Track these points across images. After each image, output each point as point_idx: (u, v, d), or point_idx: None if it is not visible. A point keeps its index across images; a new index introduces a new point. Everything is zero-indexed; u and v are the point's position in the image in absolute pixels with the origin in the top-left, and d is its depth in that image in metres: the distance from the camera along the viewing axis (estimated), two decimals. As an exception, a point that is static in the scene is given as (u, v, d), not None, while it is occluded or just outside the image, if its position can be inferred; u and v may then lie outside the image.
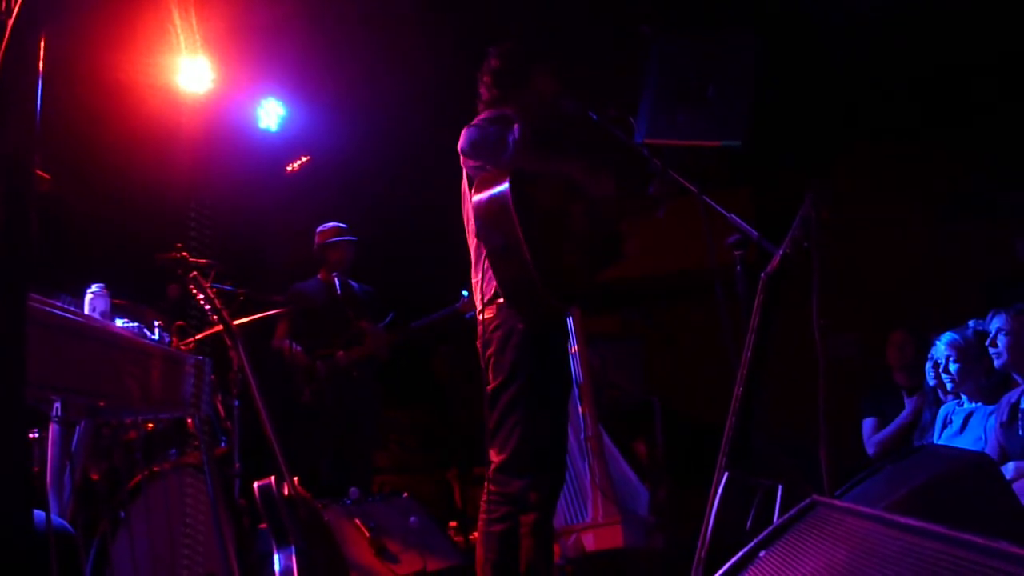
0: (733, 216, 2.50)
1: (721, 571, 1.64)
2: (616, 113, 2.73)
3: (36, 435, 2.31)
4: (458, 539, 4.49)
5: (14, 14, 1.03)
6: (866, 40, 4.73)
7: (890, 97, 5.32)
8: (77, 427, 2.16)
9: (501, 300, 2.65)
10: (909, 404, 4.30)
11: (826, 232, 2.01)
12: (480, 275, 2.74)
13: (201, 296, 3.08)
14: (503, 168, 2.57)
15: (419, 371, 5.91)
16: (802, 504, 1.61)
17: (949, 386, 3.37)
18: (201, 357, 2.09)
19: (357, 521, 3.51)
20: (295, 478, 2.95)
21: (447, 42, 4.39)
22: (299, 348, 4.40)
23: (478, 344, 2.75)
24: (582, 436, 3.99)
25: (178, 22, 3.89)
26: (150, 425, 2.99)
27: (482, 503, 2.69)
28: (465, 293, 4.37)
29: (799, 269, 2.06)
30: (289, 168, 5.51)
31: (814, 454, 1.91)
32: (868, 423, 4.46)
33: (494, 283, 2.64)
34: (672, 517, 4.05)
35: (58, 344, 1.46)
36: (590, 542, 3.82)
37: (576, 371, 4.03)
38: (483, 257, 2.70)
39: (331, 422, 4.39)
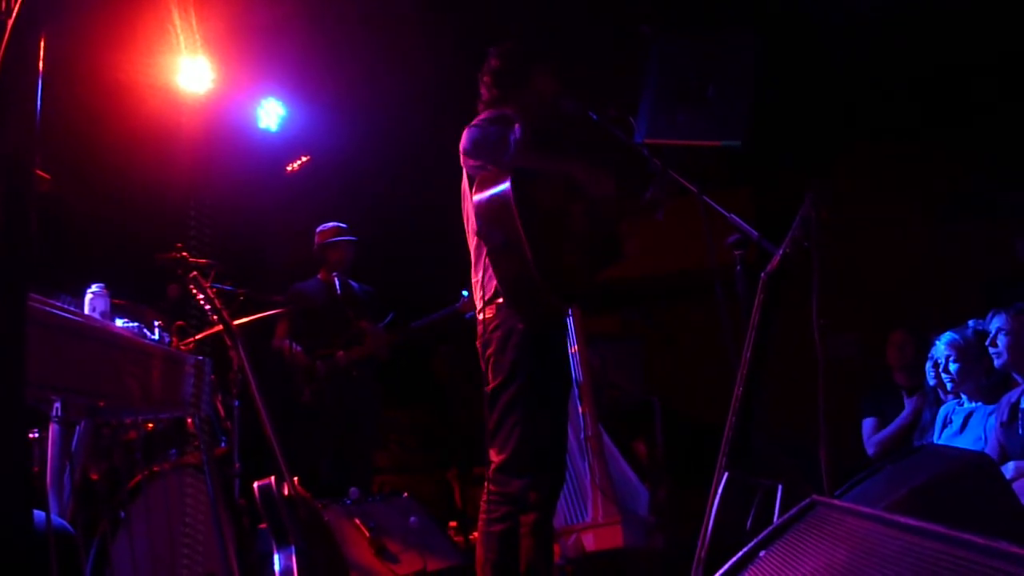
0: (733, 216, 2.50)
1: (721, 571, 1.64)
2: (616, 113, 2.73)
3: (36, 435, 2.31)
4: (458, 539, 4.49)
5: (14, 14, 1.03)
6: (866, 40, 4.73)
7: (890, 97, 5.33)
8: (77, 427, 2.17)
9: (501, 300, 2.65)
10: (909, 404, 4.30)
11: (826, 232, 2.01)
12: (480, 275, 2.74)
13: (201, 296, 3.08)
14: (504, 168, 2.57)
15: (419, 371, 5.91)
16: (802, 504, 1.61)
17: (949, 386, 3.37)
18: (201, 357, 2.09)
19: (357, 521, 3.51)
20: (295, 478, 2.95)
21: (447, 42, 4.39)
22: (299, 348, 4.40)
23: (478, 344, 2.75)
24: (582, 436, 3.99)
25: (178, 22, 3.89)
26: (150, 425, 2.98)
27: (482, 503, 2.69)
28: (465, 293, 4.37)
29: (799, 269, 2.06)
30: (289, 168, 5.51)
31: (814, 454, 1.91)
32: (868, 423, 4.46)
33: (494, 282, 2.64)
34: (672, 517, 4.05)
35: (58, 344, 1.46)
36: (590, 542, 3.82)
37: (576, 371, 4.03)
38: (483, 256, 2.70)
39: (331, 422, 4.39)
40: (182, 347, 2.92)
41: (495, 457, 2.66)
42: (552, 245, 2.59)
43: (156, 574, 2.42)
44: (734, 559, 1.63)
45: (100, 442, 2.73)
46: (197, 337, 3.38)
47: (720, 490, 1.99)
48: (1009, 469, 2.87)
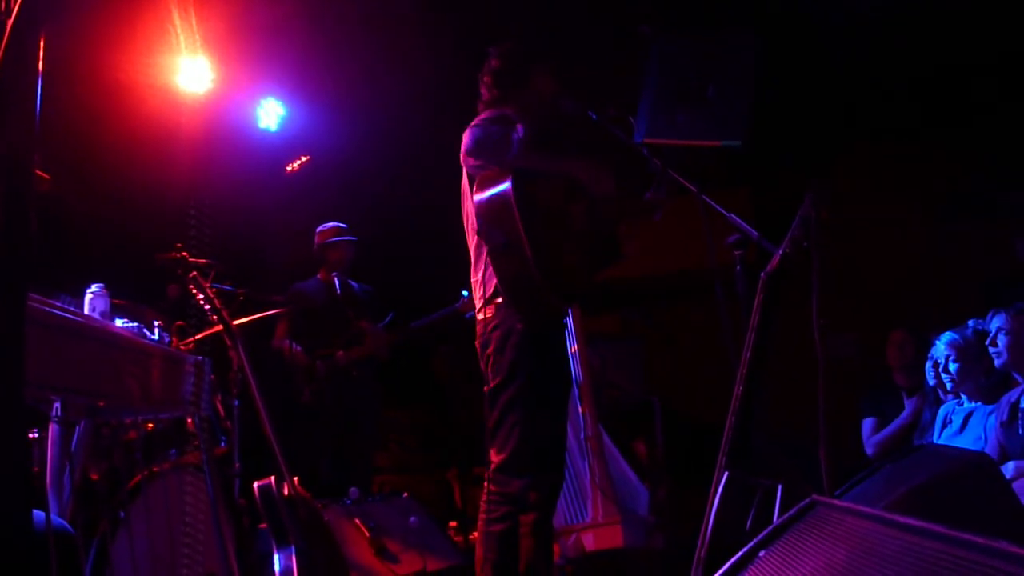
0: (733, 216, 2.50)
1: (721, 571, 1.64)
2: (616, 113, 2.73)
3: (36, 435, 2.31)
4: (458, 539, 4.49)
5: (14, 14, 1.03)
6: (866, 40, 4.73)
7: (890, 97, 5.33)
8: (77, 427, 2.16)
9: (500, 300, 2.65)
10: (909, 405, 4.30)
11: (826, 232, 2.01)
12: (480, 274, 2.75)
13: (201, 296, 3.08)
14: (506, 167, 2.57)
15: (419, 371, 5.91)
16: (802, 504, 1.61)
17: (949, 386, 3.37)
18: (201, 357, 2.09)
19: (357, 521, 3.51)
20: (295, 478, 2.95)
21: (447, 42, 4.39)
22: (299, 348, 4.40)
23: (477, 344, 2.75)
24: (582, 436, 3.99)
25: (178, 22, 3.89)
26: (150, 425, 2.98)
27: (482, 503, 2.69)
28: (465, 293, 4.37)
29: (799, 269, 2.06)
30: (289, 168, 5.51)
31: (814, 454, 1.91)
32: (868, 423, 4.46)
33: (494, 282, 2.64)
34: (672, 517, 4.05)
35: (58, 344, 1.46)
36: (590, 542, 3.82)
37: (576, 371, 4.03)
38: (483, 256, 2.70)
39: (331, 422, 4.39)
40: (182, 347, 2.92)
41: (495, 457, 2.66)
42: (552, 245, 2.59)
43: (156, 574, 2.42)
44: (734, 559, 1.63)
45: (100, 442, 2.73)
46: (197, 337, 3.38)
47: (720, 490, 1.99)
48: (1009, 469, 2.87)
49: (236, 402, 3.54)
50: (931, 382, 3.51)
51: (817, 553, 1.41)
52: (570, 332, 4.02)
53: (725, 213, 2.52)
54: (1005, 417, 3.02)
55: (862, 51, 4.83)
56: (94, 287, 2.18)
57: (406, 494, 3.98)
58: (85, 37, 3.48)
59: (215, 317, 3.09)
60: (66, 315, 1.50)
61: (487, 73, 2.86)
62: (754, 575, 1.57)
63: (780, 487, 1.93)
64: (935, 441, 3.41)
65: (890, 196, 6.02)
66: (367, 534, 3.46)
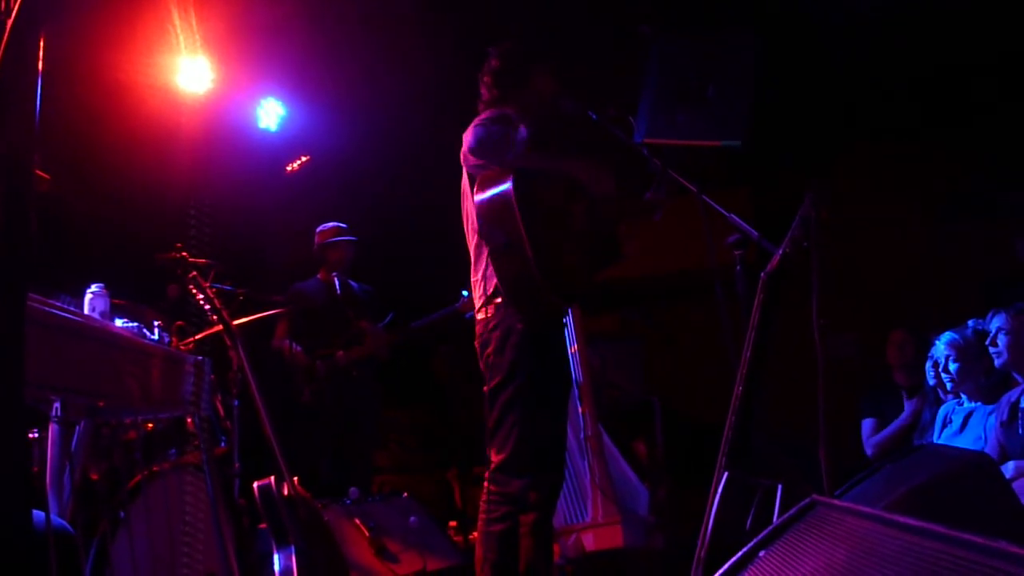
0: (733, 216, 2.50)
1: (721, 571, 1.64)
2: (616, 113, 2.73)
3: (36, 435, 2.31)
4: (458, 539, 4.49)
5: (13, 14, 1.03)
6: (866, 40, 4.73)
7: (890, 97, 5.32)
8: (77, 427, 2.16)
9: (500, 299, 2.65)
10: (908, 406, 4.30)
11: (826, 232, 2.01)
12: (480, 274, 2.74)
13: (201, 296, 3.08)
14: (507, 167, 2.57)
15: (419, 371, 5.91)
16: (802, 504, 1.61)
17: (949, 385, 3.37)
18: (201, 357, 2.09)
19: (357, 521, 3.51)
20: (295, 478, 2.95)
21: (447, 42, 4.39)
22: (299, 348, 4.40)
23: (476, 343, 2.75)
24: (582, 436, 3.99)
25: (178, 22, 3.89)
26: (150, 425, 2.99)
27: (481, 503, 2.69)
28: (465, 293, 4.37)
29: (799, 269, 2.06)
30: (289, 168, 5.51)
31: (814, 454, 1.91)
32: (867, 424, 4.46)
33: (493, 281, 2.64)
34: (672, 517, 4.05)
35: (58, 344, 1.46)
36: (590, 542, 3.82)
37: (576, 371, 4.03)
38: (483, 256, 2.70)
39: (331, 422, 4.39)
40: (182, 347, 2.92)
41: (494, 457, 2.65)
42: (553, 245, 2.59)
43: (156, 574, 2.42)
44: (734, 559, 1.63)
45: (100, 442, 2.73)
46: (197, 337, 3.38)
47: (720, 490, 1.99)
48: (1009, 469, 2.87)
49: (236, 402, 3.54)
50: (931, 382, 3.51)
51: (817, 553, 1.41)
52: (570, 332, 4.02)
53: (725, 213, 2.52)
54: (1005, 417, 3.02)
55: (862, 51, 4.83)
56: (94, 287, 2.18)
57: (406, 494, 3.98)
58: (85, 37, 3.48)
59: (215, 317, 3.09)
60: (66, 315, 1.50)
61: (487, 73, 2.86)
62: (754, 575, 1.57)
63: (780, 487, 1.93)
64: (935, 441, 3.41)
65: (890, 196, 6.02)
66: (367, 534, 3.46)
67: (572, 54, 3.33)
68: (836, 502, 1.55)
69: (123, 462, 2.78)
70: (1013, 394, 3.06)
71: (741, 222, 2.48)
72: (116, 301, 2.27)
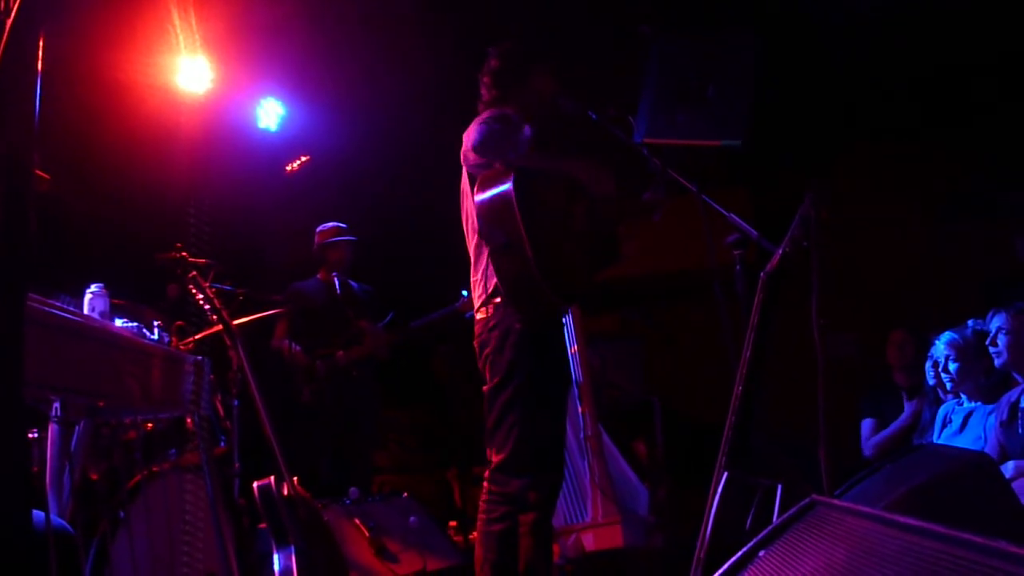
0: (732, 215, 2.50)
1: (720, 571, 1.64)
2: (616, 113, 2.73)
3: (35, 435, 2.31)
4: (458, 539, 4.49)
5: (13, 13, 1.03)
6: (866, 40, 4.73)
7: (890, 97, 5.32)
8: (76, 427, 2.16)
9: (499, 299, 2.65)
10: (908, 408, 4.30)
11: (825, 232, 2.01)
12: (479, 274, 2.74)
13: (200, 296, 3.08)
14: (510, 165, 2.57)
15: (419, 371, 5.91)
16: (801, 503, 1.61)
17: (948, 385, 3.37)
18: (200, 357, 2.09)
19: (357, 521, 3.51)
20: (295, 478, 2.95)
21: (447, 42, 4.39)
22: (298, 348, 4.40)
23: (475, 343, 2.75)
24: (582, 435, 3.99)
25: (177, 22, 3.89)
26: (150, 425, 2.98)
27: (481, 503, 2.69)
28: (465, 293, 4.37)
29: (798, 269, 2.06)
30: (288, 168, 5.51)
31: (814, 454, 1.91)
32: (867, 424, 4.47)
33: (493, 281, 2.64)
34: (672, 517, 4.05)
35: (57, 344, 1.46)
36: (590, 542, 3.82)
37: (576, 371, 4.03)
38: (483, 255, 2.70)
39: (331, 422, 4.39)
40: (181, 347, 2.91)
41: (493, 457, 2.65)
42: (553, 245, 2.59)
43: (156, 574, 2.42)
44: (734, 559, 1.63)
45: (100, 442, 2.73)
46: (196, 337, 3.38)
47: (720, 490, 1.99)
48: (1009, 468, 2.87)
49: (236, 402, 3.54)
50: (931, 382, 3.51)
51: (817, 553, 1.41)
52: (570, 332, 4.02)
53: (725, 213, 2.52)
54: (1005, 417, 3.02)
55: (862, 51, 4.83)
56: (94, 287, 2.18)
57: (406, 494, 3.98)
58: (85, 37, 3.48)
59: (215, 317, 3.09)
60: (66, 315, 1.50)
61: (487, 73, 2.86)
62: (754, 575, 1.57)
63: (780, 487, 1.93)
64: (935, 441, 3.41)
65: (890, 196, 6.02)
66: (367, 534, 3.46)
67: (572, 54, 3.33)
68: (836, 502, 1.55)
69: (123, 462, 2.78)
70: (1013, 394, 3.06)
71: (741, 222, 2.48)
72: (116, 301, 2.26)
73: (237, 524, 3.23)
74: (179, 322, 2.88)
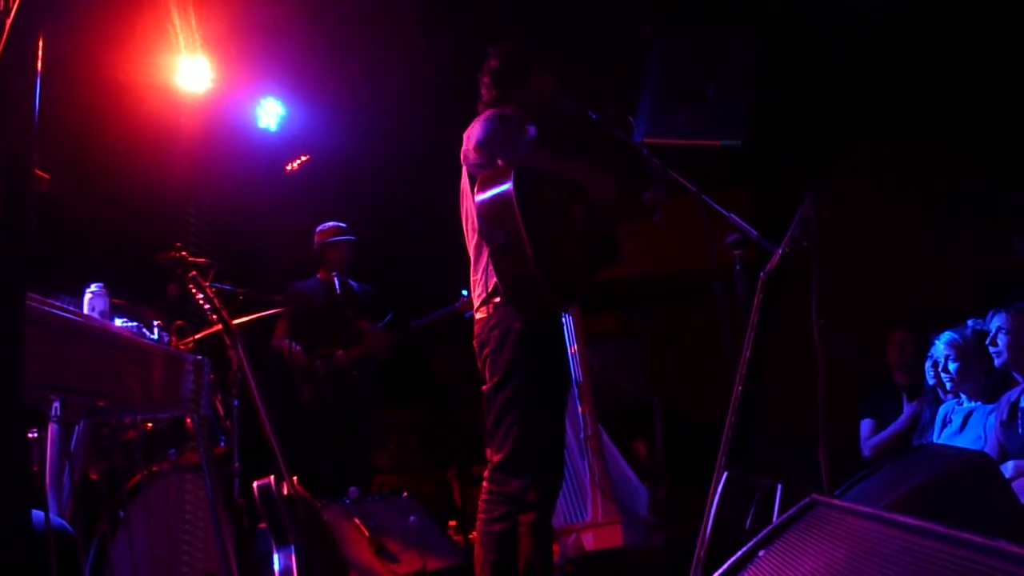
0: (732, 215, 2.50)
1: (720, 570, 1.64)
2: (616, 113, 2.73)
3: (35, 435, 2.30)
4: (457, 538, 4.49)
5: (12, 13, 1.03)
6: (866, 40, 4.73)
7: (890, 97, 5.33)
8: (76, 427, 2.16)
9: (498, 299, 2.65)
10: (908, 409, 4.30)
11: (825, 232, 2.01)
12: (479, 273, 2.74)
13: (200, 296, 3.08)
14: (513, 164, 2.56)
15: (419, 371, 5.91)
16: (801, 503, 1.61)
17: (948, 385, 3.37)
18: (200, 357, 2.09)
19: (357, 521, 3.51)
20: (295, 478, 2.95)
21: (447, 42, 4.39)
22: (298, 348, 4.40)
23: (475, 343, 2.75)
24: (582, 435, 3.99)
25: (177, 22, 3.89)
26: (149, 425, 2.98)
27: (480, 503, 2.69)
28: (465, 293, 4.37)
29: (798, 268, 2.06)
30: (288, 168, 5.51)
31: (813, 453, 1.91)
32: (866, 424, 4.47)
33: (493, 280, 2.64)
34: (672, 517, 4.05)
35: (57, 344, 1.46)
36: (589, 541, 3.81)
37: (576, 371, 4.03)
38: (483, 255, 2.70)
39: (330, 421, 4.39)
40: (181, 347, 2.91)
41: (493, 457, 2.65)
42: (553, 245, 2.59)
43: (155, 574, 2.42)
44: (733, 559, 1.63)
45: (99, 442, 2.73)
46: (196, 337, 3.38)
47: (720, 490, 1.99)
48: (1008, 468, 2.87)
49: (236, 402, 3.54)
50: (931, 382, 3.51)
51: (817, 553, 1.41)
52: (570, 332, 4.02)
53: (725, 213, 2.52)
54: (1005, 416, 3.02)
55: (862, 51, 4.83)
56: (93, 287, 2.18)
57: (406, 494, 3.98)
58: (85, 37, 3.48)
59: (214, 317, 3.09)
60: (66, 315, 1.50)
61: (487, 73, 2.86)
62: (753, 575, 1.57)
63: (780, 487, 1.93)
64: (935, 440, 3.41)
65: (890, 196, 6.02)
66: (367, 534, 3.46)
67: (572, 54, 3.33)
68: (836, 502, 1.55)
69: (123, 462, 2.78)
70: (1013, 394, 3.06)
71: (741, 222, 2.48)
72: (116, 301, 2.26)
73: (237, 524, 3.23)
74: (179, 322, 2.88)
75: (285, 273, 4.86)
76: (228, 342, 3.13)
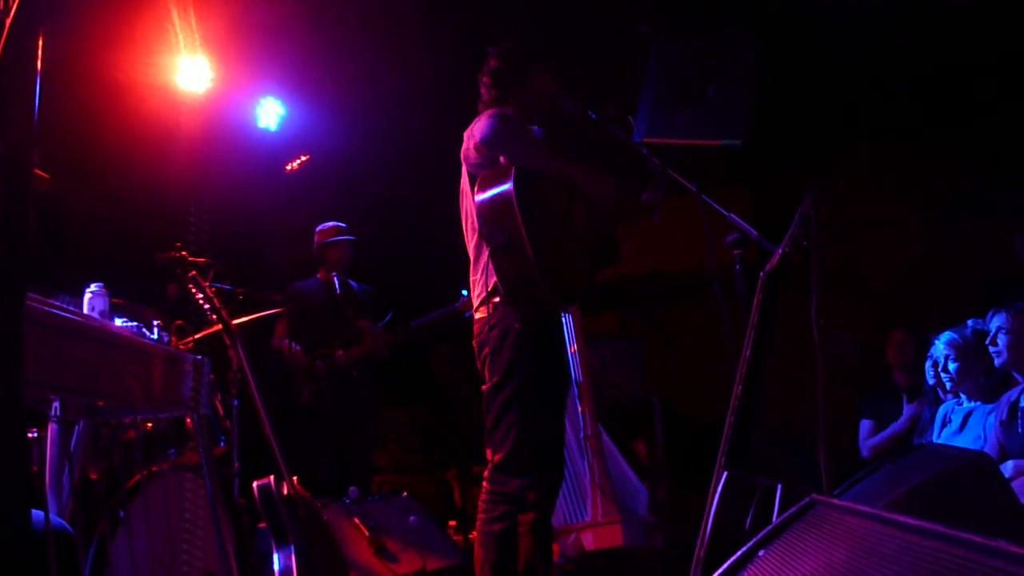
0: (732, 215, 2.50)
1: (720, 570, 1.64)
2: (616, 113, 2.73)
3: (35, 435, 2.31)
4: (457, 538, 4.49)
5: (12, 13, 1.03)
6: (866, 40, 4.73)
7: (890, 97, 5.33)
8: (76, 427, 2.16)
9: (498, 299, 2.65)
10: (907, 411, 4.30)
11: (825, 232, 2.01)
12: (479, 273, 2.74)
13: (200, 295, 3.08)
14: (516, 162, 2.56)
15: (419, 371, 5.91)
16: (801, 503, 1.61)
17: (948, 385, 3.37)
18: (200, 356, 2.09)
19: (356, 520, 3.51)
20: (295, 478, 2.95)
21: (447, 42, 4.39)
22: (298, 347, 4.40)
23: (474, 343, 2.74)
24: (582, 435, 3.99)
25: (177, 22, 3.89)
26: (149, 425, 2.98)
27: (480, 502, 2.69)
28: (465, 293, 4.37)
29: (798, 268, 2.06)
30: (288, 168, 5.51)
31: (813, 453, 1.91)
32: (865, 425, 4.47)
33: (492, 280, 2.64)
34: (672, 517, 4.05)
35: (57, 344, 1.46)
36: (589, 541, 3.81)
37: (576, 371, 4.03)
38: (483, 255, 2.70)
39: (330, 421, 4.39)
40: (181, 346, 2.91)
41: (493, 457, 2.65)
42: (553, 245, 2.59)
43: (155, 574, 2.42)
44: (733, 558, 1.63)
45: (99, 442, 2.73)
46: (196, 337, 3.38)
47: (719, 489, 1.99)
48: (1008, 468, 2.87)
49: (235, 402, 3.54)
50: (931, 382, 3.51)
51: (816, 552, 1.41)
52: (570, 332, 4.02)
53: (725, 213, 2.52)
54: (1005, 416, 3.03)
55: (862, 51, 4.83)
56: (93, 287, 2.18)
57: (405, 493, 3.98)
58: (85, 37, 3.48)
59: (214, 316, 3.09)
60: (65, 315, 1.50)
61: (487, 73, 2.86)
62: (753, 574, 1.57)
63: (780, 487, 1.93)
64: (934, 440, 3.41)
65: (890, 196, 6.02)
66: (367, 533, 3.46)
67: (572, 54, 3.33)
68: (835, 501, 1.55)
69: (123, 462, 2.78)
70: (1013, 393, 3.06)
71: (740, 222, 2.48)
72: (116, 301, 2.27)
73: (237, 524, 3.23)
74: (179, 322, 2.88)
75: (285, 273, 4.86)
76: (228, 342, 3.13)
